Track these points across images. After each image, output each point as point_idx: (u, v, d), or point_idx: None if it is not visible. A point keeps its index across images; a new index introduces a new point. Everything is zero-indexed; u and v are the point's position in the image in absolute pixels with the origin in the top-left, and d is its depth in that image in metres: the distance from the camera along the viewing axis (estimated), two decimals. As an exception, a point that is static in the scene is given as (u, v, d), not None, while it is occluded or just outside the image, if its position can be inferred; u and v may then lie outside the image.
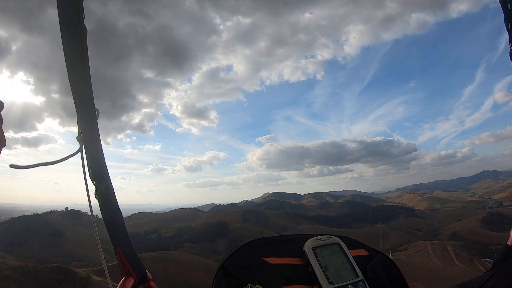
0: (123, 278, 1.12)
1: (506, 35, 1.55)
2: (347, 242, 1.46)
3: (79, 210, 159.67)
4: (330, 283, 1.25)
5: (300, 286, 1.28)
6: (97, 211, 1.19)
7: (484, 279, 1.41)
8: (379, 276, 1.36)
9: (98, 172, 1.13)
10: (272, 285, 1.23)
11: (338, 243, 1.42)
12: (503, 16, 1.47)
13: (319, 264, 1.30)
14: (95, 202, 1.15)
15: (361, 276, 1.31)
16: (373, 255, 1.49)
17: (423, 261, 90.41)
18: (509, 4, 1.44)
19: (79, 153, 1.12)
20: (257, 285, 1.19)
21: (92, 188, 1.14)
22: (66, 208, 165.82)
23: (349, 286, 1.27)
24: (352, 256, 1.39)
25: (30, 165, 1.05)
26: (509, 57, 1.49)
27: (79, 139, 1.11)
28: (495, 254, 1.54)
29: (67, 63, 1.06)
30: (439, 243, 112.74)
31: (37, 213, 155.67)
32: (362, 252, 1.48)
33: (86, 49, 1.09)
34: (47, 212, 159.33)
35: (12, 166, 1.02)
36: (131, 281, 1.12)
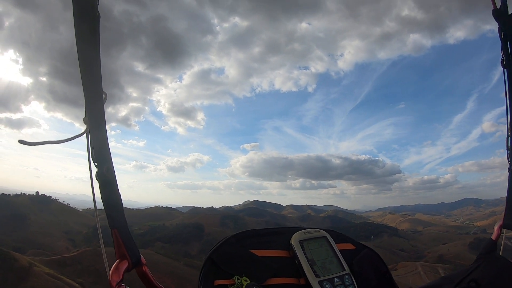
0: (117, 260, 1.12)
1: (500, 69, 1.65)
2: (334, 236, 1.46)
3: (50, 196, 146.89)
4: (317, 276, 1.25)
5: (287, 279, 1.27)
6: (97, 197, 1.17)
7: (468, 271, 1.45)
8: (365, 270, 1.36)
9: (101, 154, 1.14)
10: (259, 278, 1.22)
11: (325, 237, 1.41)
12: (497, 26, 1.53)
13: (306, 257, 1.30)
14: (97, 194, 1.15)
15: (347, 270, 1.31)
16: (360, 249, 1.49)
17: (416, 282, 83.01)
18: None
19: (84, 134, 1.12)
20: (244, 277, 1.18)
21: (93, 170, 1.13)
22: (37, 192, 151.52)
23: (335, 279, 1.26)
24: (339, 250, 1.38)
25: (38, 142, 1.06)
26: (501, 64, 1.64)
27: (85, 120, 1.12)
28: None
29: (78, 46, 1.07)
30: (429, 265, 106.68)
31: (4, 194, 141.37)
32: (349, 246, 1.49)
33: (98, 34, 1.11)
34: (16, 194, 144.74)
35: (20, 141, 1.00)
36: (125, 264, 1.11)
